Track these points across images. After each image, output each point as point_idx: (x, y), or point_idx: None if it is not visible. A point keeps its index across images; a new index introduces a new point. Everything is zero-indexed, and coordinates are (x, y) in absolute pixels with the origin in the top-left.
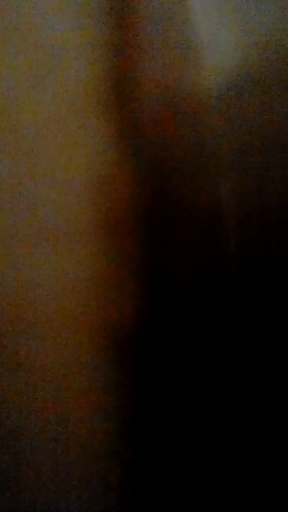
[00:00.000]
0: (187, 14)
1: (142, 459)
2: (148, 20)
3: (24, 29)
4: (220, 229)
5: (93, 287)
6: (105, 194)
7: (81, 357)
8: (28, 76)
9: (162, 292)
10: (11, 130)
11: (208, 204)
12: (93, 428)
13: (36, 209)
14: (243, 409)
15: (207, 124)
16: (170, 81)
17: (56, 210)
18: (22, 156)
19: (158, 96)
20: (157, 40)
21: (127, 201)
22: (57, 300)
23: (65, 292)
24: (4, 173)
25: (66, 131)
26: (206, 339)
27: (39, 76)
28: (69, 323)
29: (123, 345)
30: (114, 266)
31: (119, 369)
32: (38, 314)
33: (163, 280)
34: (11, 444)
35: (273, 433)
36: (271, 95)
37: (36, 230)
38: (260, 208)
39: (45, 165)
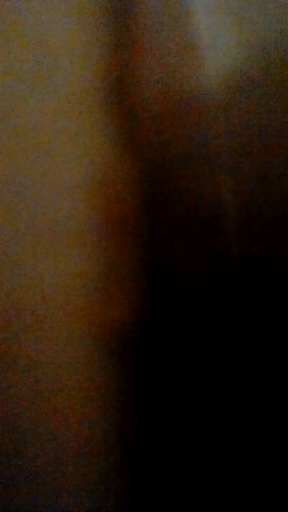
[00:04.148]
0: (187, 14)
1: (142, 459)
2: (148, 20)
3: (24, 29)
4: (221, 228)
5: (93, 287)
6: (105, 193)
7: (81, 357)
8: (28, 75)
9: (163, 292)
10: (10, 130)
11: (209, 203)
12: (93, 428)
13: (35, 209)
14: (245, 409)
15: (207, 124)
16: (170, 81)
17: (56, 210)
18: (21, 156)
19: (158, 96)
20: (157, 40)
21: (127, 201)
22: (57, 299)
23: (65, 292)
24: (4, 172)
25: (66, 130)
26: (207, 338)
27: (38, 76)
28: (69, 322)
29: (123, 345)
30: (114, 266)
31: (120, 368)
32: (38, 314)
33: (163, 280)
34: (11, 443)
35: (274, 433)
36: (271, 95)
37: (36, 230)
38: (260, 207)
39: (45, 164)
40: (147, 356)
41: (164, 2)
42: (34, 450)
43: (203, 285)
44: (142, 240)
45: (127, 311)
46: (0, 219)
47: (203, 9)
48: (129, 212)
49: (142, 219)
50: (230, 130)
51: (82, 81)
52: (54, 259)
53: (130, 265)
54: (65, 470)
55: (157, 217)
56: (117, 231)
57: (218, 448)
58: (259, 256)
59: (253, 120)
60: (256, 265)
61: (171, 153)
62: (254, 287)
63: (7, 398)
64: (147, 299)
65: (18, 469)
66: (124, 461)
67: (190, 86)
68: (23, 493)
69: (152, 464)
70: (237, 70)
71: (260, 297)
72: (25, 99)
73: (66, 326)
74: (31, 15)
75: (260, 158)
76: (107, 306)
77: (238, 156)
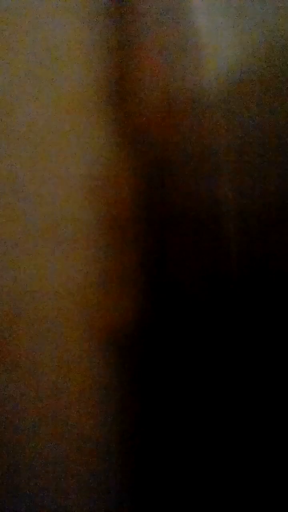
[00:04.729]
0: (187, 14)
1: (142, 459)
2: (148, 20)
3: (24, 29)
4: (221, 229)
5: (93, 287)
6: (105, 194)
7: (81, 357)
8: (28, 75)
9: (162, 292)
10: (11, 130)
11: (208, 204)
12: (93, 428)
13: (36, 209)
14: (245, 407)
15: (207, 124)
16: (170, 81)
17: (56, 210)
18: (22, 156)
19: (158, 96)
20: (157, 40)
21: (127, 201)
22: (57, 300)
23: (65, 292)
24: (4, 173)
25: (66, 130)
26: (207, 339)
27: (39, 76)
28: (69, 323)
29: (123, 345)
30: (114, 266)
31: (119, 369)
32: (38, 314)
33: (163, 280)
34: (11, 444)
35: (274, 434)
36: (271, 95)
37: (36, 230)
38: (260, 207)
39: (45, 165)
40: (147, 356)
41: (164, 2)
42: (34, 450)
43: (203, 285)
44: (142, 240)
45: (127, 311)
46: (0, 219)
47: (203, 9)
48: (129, 212)
49: (142, 219)
50: (230, 129)
51: (82, 81)
52: (53, 259)
53: (130, 265)
54: (65, 470)
55: (157, 217)
56: (117, 232)
57: (218, 446)
58: (259, 257)
59: (253, 120)
60: (256, 266)
61: (171, 153)
62: (253, 287)
63: (7, 397)
64: (147, 299)
65: (18, 468)
66: (124, 461)
67: (190, 85)
68: (23, 493)
69: (152, 464)
70: (237, 69)
71: (259, 297)
72: (25, 99)
73: (67, 326)
74: (31, 15)
75: (260, 158)
76: (107, 307)
77: (238, 155)
